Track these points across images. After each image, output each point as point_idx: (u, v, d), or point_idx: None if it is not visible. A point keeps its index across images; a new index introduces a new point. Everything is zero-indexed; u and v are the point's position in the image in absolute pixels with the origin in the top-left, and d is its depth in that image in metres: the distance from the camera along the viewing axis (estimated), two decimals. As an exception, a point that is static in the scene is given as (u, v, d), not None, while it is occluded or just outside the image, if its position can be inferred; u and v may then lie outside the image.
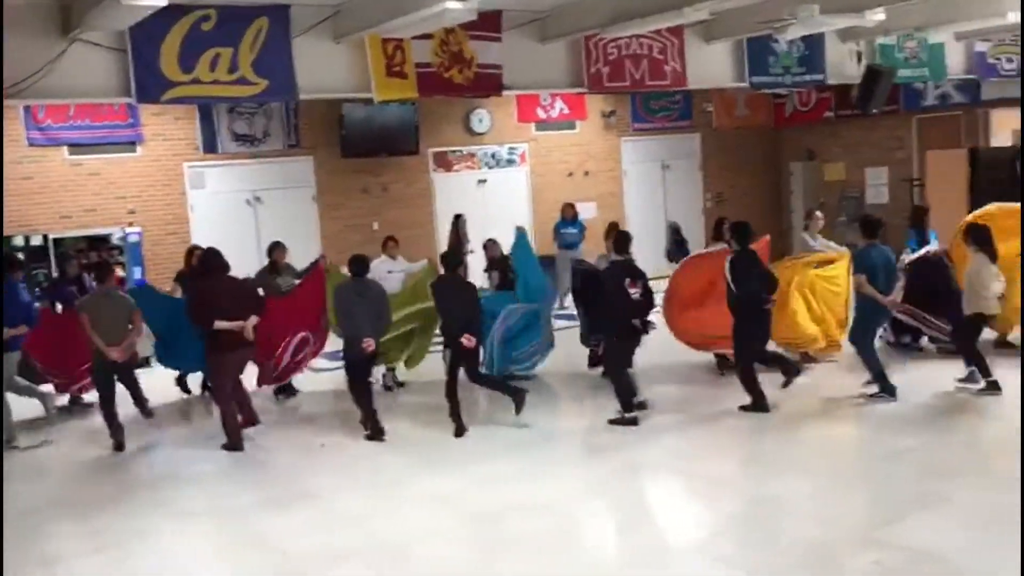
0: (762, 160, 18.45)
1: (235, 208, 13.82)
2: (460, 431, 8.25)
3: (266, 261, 10.23)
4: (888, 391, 8.32)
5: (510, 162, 16.03)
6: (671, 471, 7.23)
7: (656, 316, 8.68)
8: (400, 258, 10.63)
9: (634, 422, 8.11)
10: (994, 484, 6.45)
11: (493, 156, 15.87)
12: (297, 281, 9.91)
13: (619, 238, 8.64)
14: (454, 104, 14.77)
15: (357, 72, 9.80)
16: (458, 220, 13.06)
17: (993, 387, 8.30)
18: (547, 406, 9.39)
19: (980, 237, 8.42)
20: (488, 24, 10.05)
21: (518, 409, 8.35)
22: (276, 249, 10.16)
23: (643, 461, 7.38)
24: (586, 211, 15.94)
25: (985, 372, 8.35)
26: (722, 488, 6.74)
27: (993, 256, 8.30)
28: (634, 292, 8.12)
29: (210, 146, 13.51)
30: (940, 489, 6.33)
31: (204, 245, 9.51)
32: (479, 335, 8.46)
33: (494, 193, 15.54)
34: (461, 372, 8.39)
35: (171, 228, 13.34)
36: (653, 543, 5.97)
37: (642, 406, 8.31)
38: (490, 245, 11.14)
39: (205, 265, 8.45)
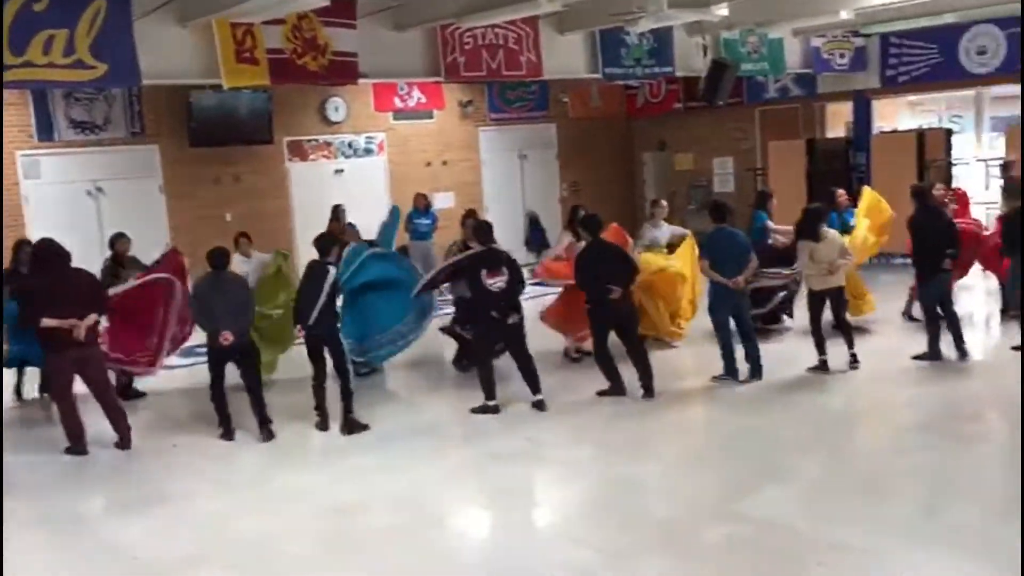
0: (616, 150, 18.91)
1: (74, 199, 13.10)
2: (324, 425, 8.11)
3: (108, 254, 9.74)
4: (732, 374, 8.68)
5: (368, 151, 15.84)
6: (531, 458, 7.33)
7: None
8: (256, 254, 10.27)
9: (496, 410, 8.17)
10: (837, 456, 6.86)
11: (350, 145, 15.63)
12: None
13: (477, 228, 8.65)
14: (309, 92, 14.46)
15: (204, 57, 9.43)
16: (337, 210, 12.87)
17: (823, 367, 8.80)
18: (411, 398, 9.35)
19: (801, 221, 8.91)
20: (342, 11, 9.85)
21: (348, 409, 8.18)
22: (118, 240, 9.68)
23: (505, 449, 7.44)
24: (444, 201, 15.95)
25: (821, 350, 8.84)
26: (580, 472, 6.89)
27: (812, 235, 8.73)
28: (493, 282, 8.12)
29: (45, 133, 12.75)
30: (787, 463, 6.67)
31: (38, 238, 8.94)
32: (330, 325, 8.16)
33: (351, 183, 15.31)
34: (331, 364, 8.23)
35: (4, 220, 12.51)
36: (513, 529, 6.05)
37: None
38: (349, 231, 11.01)
39: (37, 257, 7.86)
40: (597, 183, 18.29)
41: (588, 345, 9.14)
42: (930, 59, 14.94)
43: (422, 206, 14.24)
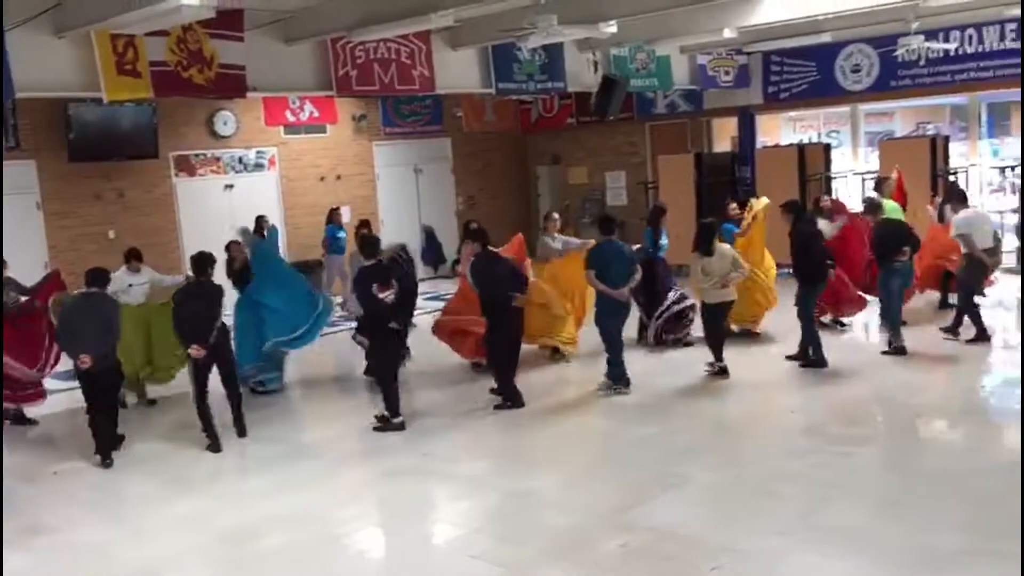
0: (510, 164, 19.05)
1: (-56, 217, 12.40)
2: (215, 447, 7.88)
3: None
4: (623, 382, 8.79)
5: (258, 166, 15.53)
6: (430, 473, 7.27)
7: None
8: (146, 270, 9.73)
9: (401, 427, 8.09)
10: (730, 462, 7.03)
11: (240, 160, 15.29)
12: (25, 298, 8.93)
13: (363, 242, 8.62)
14: (196, 105, 14.09)
15: (84, 69, 9.11)
16: (261, 221, 12.68)
17: (722, 372, 9.04)
18: (309, 415, 9.18)
19: (698, 236, 9.16)
20: (229, 23, 9.66)
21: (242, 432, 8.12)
22: None
23: (403, 465, 7.36)
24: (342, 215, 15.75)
25: (718, 357, 9.07)
26: (479, 486, 6.88)
27: (706, 250, 8.99)
28: (384, 295, 8.05)
29: (-89, 148, 12.08)
30: (681, 470, 6.79)
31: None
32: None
33: (242, 199, 14.97)
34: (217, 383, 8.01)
35: None
36: (413, 545, 5.99)
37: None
38: (234, 247, 10.71)
39: None
40: (492, 197, 18.38)
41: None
42: (808, 76, 15.57)
43: (338, 221, 14.19)
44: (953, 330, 9.86)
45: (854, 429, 7.70)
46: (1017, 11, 12.07)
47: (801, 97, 15.85)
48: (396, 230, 16.20)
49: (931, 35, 13.05)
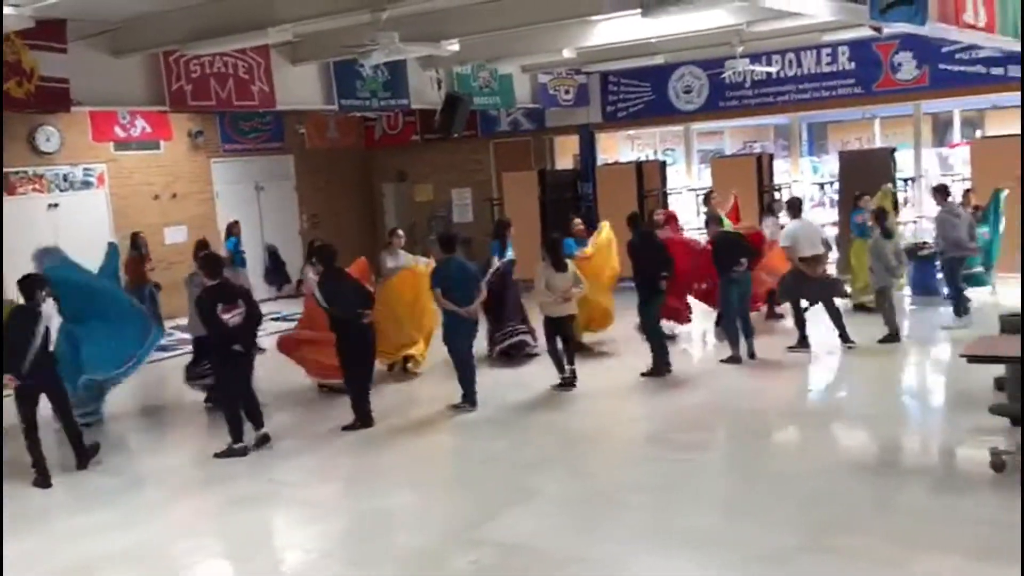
0: (355, 181, 18.84)
1: None
2: (43, 482, 7.38)
3: None
4: (471, 401, 8.78)
5: (86, 184, 14.73)
6: (277, 499, 7.06)
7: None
8: None
9: (243, 452, 7.82)
10: (577, 473, 7.16)
11: (65, 178, 14.47)
12: None
13: (206, 261, 8.31)
14: (15, 120, 13.22)
15: None
16: (137, 238, 12.42)
17: (568, 384, 9.21)
18: (144, 444, 8.73)
19: (547, 246, 9.39)
20: (50, 34, 9.15)
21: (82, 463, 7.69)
22: None
23: (248, 493, 7.11)
24: (176, 235, 15.14)
25: (560, 368, 9.24)
26: (329, 509, 6.74)
27: (559, 265, 9.19)
28: (229, 316, 7.79)
29: None
30: (531, 483, 6.86)
31: None
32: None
33: (68, 218, 14.15)
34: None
35: None
36: (262, 574, 5.79)
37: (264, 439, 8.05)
38: None
39: None
40: (337, 215, 18.10)
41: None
42: (644, 96, 16.17)
43: (237, 233, 14.07)
44: (799, 345, 10.16)
45: (695, 435, 8.00)
46: (832, 37, 12.94)
47: (638, 116, 16.44)
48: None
49: (755, 59, 13.82)
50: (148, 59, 10.57)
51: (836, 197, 14.86)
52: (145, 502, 7.11)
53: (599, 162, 17.02)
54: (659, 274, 9.51)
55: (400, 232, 10.94)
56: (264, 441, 8.02)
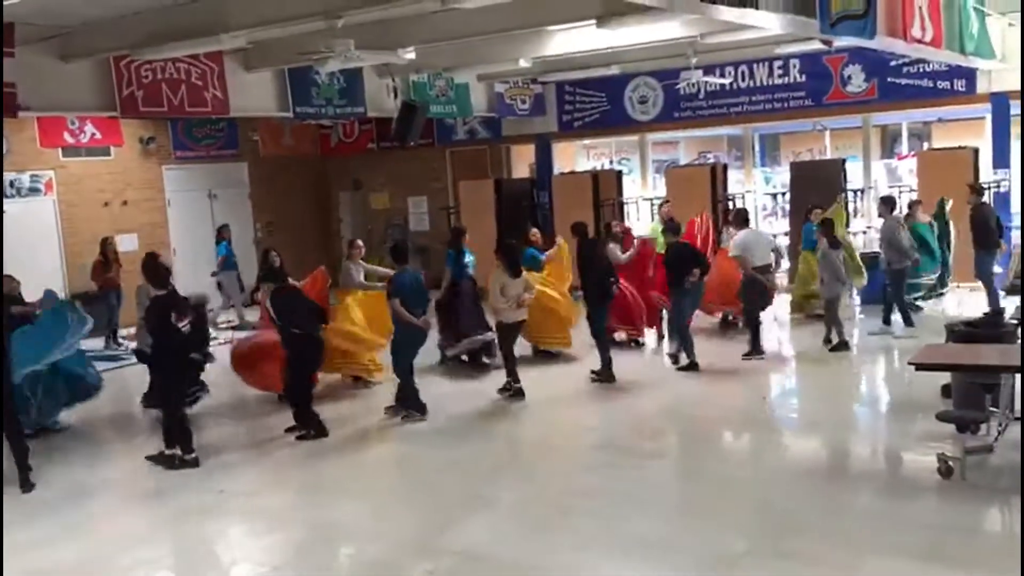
0: (311, 189, 18.70)
1: None
2: None
3: None
4: (419, 410, 8.73)
5: (33, 191, 14.43)
6: (227, 510, 6.96)
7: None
8: None
9: (195, 464, 7.71)
10: (530, 481, 7.15)
11: (12, 184, 14.15)
12: None
13: (154, 271, 8.19)
14: (-41, 125, 12.93)
15: None
16: (106, 242, 12.47)
17: (519, 394, 9.18)
18: (88, 455, 8.55)
19: (502, 252, 9.37)
20: (-3, 37, 8.95)
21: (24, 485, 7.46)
22: None
23: (197, 504, 7.01)
24: (128, 243, 14.89)
25: (515, 377, 9.23)
26: (282, 520, 6.65)
27: (514, 271, 9.17)
28: (183, 324, 7.73)
29: None
30: (486, 492, 6.85)
31: None
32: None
33: (15, 227, 13.70)
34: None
35: None
36: (212, 589, 5.71)
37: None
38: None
39: None
40: (292, 222, 17.93)
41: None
42: (600, 107, 16.27)
43: (227, 237, 14.40)
44: (752, 352, 10.32)
45: (648, 442, 8.06)
46: (784, 50, 13.15)
47: (593, 126, 16.53)
48: (189, 258, 15.55)
49: (709, 70, 13.97)
50: (98, 64, 10.40)
51: (788, 207, 15.06)
52: (90, 513, 6.99)
53: (555, 171, 17.08)
54: (603, 283, 9.66)
55: (359, 243, 10.74)
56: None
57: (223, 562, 6.23)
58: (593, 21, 9.43)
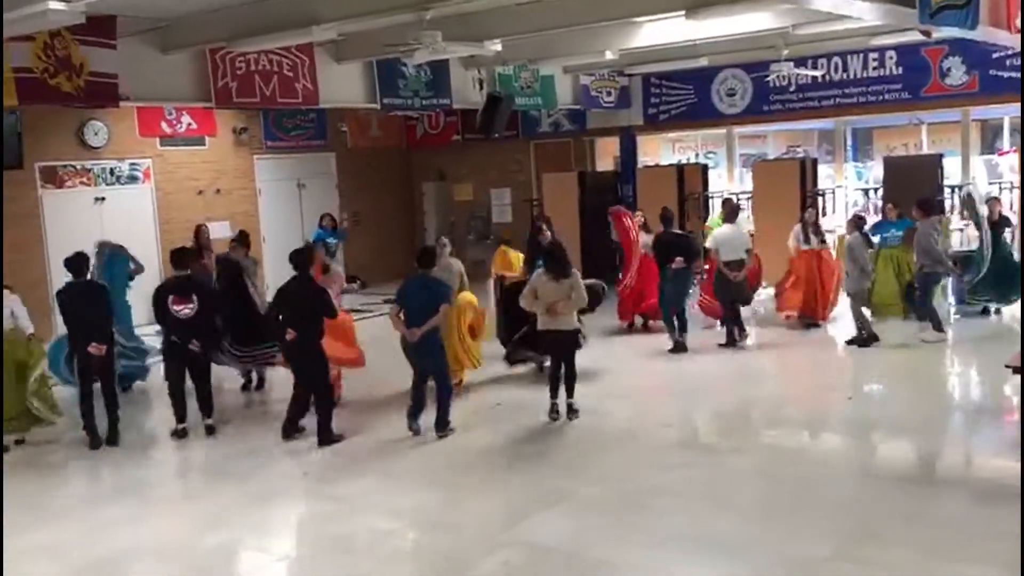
0: (396, 180, 18.95)
1: None
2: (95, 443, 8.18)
3: None
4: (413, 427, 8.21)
5: (132, 179, 14.96)
6: (307, 494, 7.12)
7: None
8: (8, 293, 8.40)
9: (179, 434, 8.37)
10: (607, 476, 7.10)
11: (112, 172, 14.70)
12: None
13: (172, 254, 8.72)
14: (64, 114, 13.48)
15: (-61, 74, 8.61)
16: (200, 230, 12.54)
17: (553, 413, 8.44)
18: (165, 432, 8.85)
19: (546, 251, 8.86)
20: (101, 30, 9.30)
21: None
22: None
23: (279, 487, 7.21)
24: (220, 230, 15.33)
25: (552, 393, 8.45)
26: (357, 506, 6.74)
27: (556, 275, 8.25)
28: (179, 309, 8.24)
29: None
30: (560, 486, 6.85)
31: None
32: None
33: (114, 212, 14.39)
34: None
35: None
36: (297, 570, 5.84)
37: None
38: None
39: None
40: (377, 213, 18.23)
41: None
42: (687, 99, 16.06)
43: (331, 225, 14.69)
44: (730, 340, 10.91)
45: (725, 440, 7.94)
46: (880, 42, 12.76)
47: (679, 119, 16.33)
48: (277, 245, 15.88)
49: (800, 62, 13.65)
50: (195, 56, 10.71)
51: (880, 203, 14.63)
52: (167, 495, 7.24)
53: (640, 164, 16.94)
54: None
55: (444, 240, 10.03)
56: (209, 431, 8.53)
57: (298, 544, 6.37)
58: (682, 12, 9.31)
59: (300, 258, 8.15)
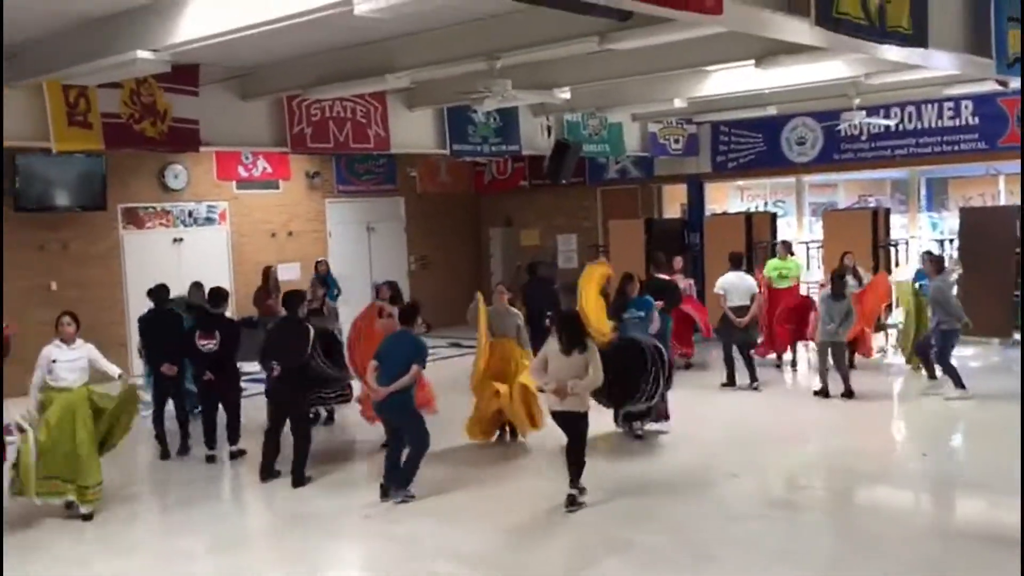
0: (464, 225, 19.16)
1: None
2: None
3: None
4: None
5: (209, 220, 15.41)
6: (370, 534, 7.15)
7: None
8: (81, 343, 7.75)
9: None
10: (674, 525, 7.00)
11: (190, 214, 15.17)
12: None
13: (211, 296, 9.42)
14: (147, 158, 13.98)
15: (34, 119, 9.05)
16: (268, 272, 13.27)
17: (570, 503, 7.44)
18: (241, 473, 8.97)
19: (560, 322, 7.71)
20: (184, 77, 9.68)
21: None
22: None
23: (343, 526, 7.25)
24: (290, 272, 15.66)
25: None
26: (421, 547, 6.75)
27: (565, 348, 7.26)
28: (204, 344, 8.90)
29: None
30: (625, 535, 6.76)
31: None
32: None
33: (191, 252, 14.82)
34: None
35: None
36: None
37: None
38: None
39: None
40: (445, 257, 18.45)
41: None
42: (755, 147, 15.99)
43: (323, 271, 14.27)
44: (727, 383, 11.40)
45: (797, 493, 7.77)
46: (955, 91, 12.57)
47: (748, 167, 16.25)
48: (346, 287, 16.13)
49: (872, 111, 13.51)
50: (273, 102, 11.06)
51: (956, 254, 14.30)
52: (242, 528, 7.31)
53: (707, 212, 16.86)
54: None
55: (501, 288, 9.75)
56: (237, 455, 9.12)
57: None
58: (752, 61, 9.32)
59: (291, 301, 8.62)
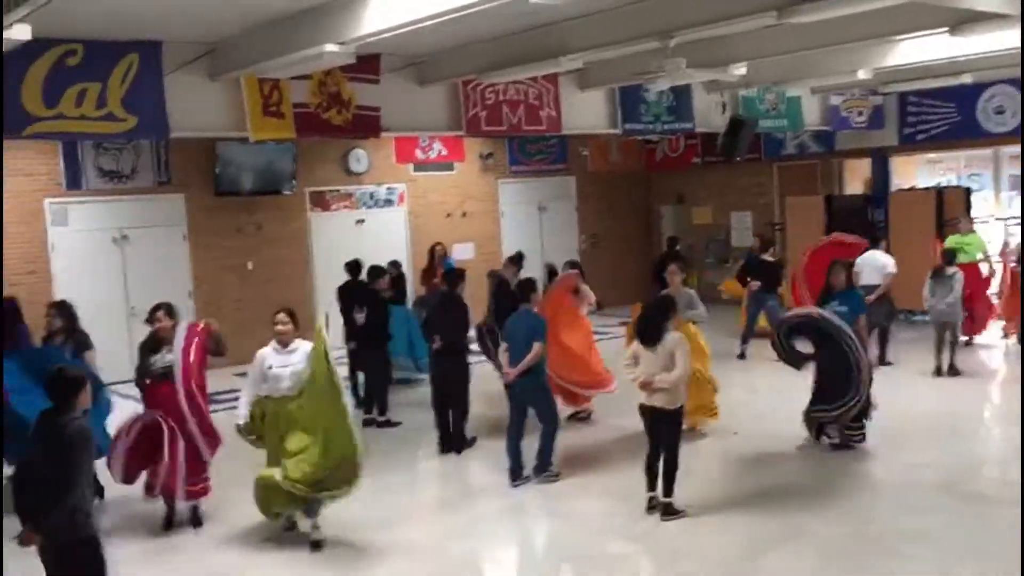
0: (634, 203, 19.05)
1: (100, 247, 13.29)
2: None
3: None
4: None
5: (388, 202, 16.03)
6: (544, 511, 7.31)
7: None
8: (297, 344, 6.82)
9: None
10: (854, 516, 6.79)
11: (371, 196, 15.84)
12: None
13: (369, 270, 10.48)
14: (332, 144, 14.69)
15: (232, 111, 9.66)
16: (434, 250, 13.59)
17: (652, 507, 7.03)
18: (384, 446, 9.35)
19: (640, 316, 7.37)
20: (367, 67, 10.08)
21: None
22: (158, 313, 7.10)
23: (498, 508, 7.45)
24: (464, 251, 16.08)
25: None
26: (597, 528, 6.85)
27: (646, 339, 6.86)
28: (359, 315, 9.81)
29: (74, 182, 12.99)
30: (802, 523, 6.63)
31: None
32: None
33: (372, 233, 15.49)
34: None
35: (30, 267, 12.70)
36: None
37: None
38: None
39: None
40: (615, 235, 18.42)
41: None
42: (948, 118, 15.03)
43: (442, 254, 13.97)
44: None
45: (993, 486, 7.35)
46: None
47: (939, 139, 15.30)
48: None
49: (1082, 76, 12.43)
50: (448, 87, 11.35)
51: None
52: (422, 502, 7.63)
53: (893, 187, 16.03)
54: None
55: (673, 267, 9.19)
56: (384, 424, 9.91)
57: (535, 561, 6.53)
58: (946, 29, 8.78)
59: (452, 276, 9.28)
